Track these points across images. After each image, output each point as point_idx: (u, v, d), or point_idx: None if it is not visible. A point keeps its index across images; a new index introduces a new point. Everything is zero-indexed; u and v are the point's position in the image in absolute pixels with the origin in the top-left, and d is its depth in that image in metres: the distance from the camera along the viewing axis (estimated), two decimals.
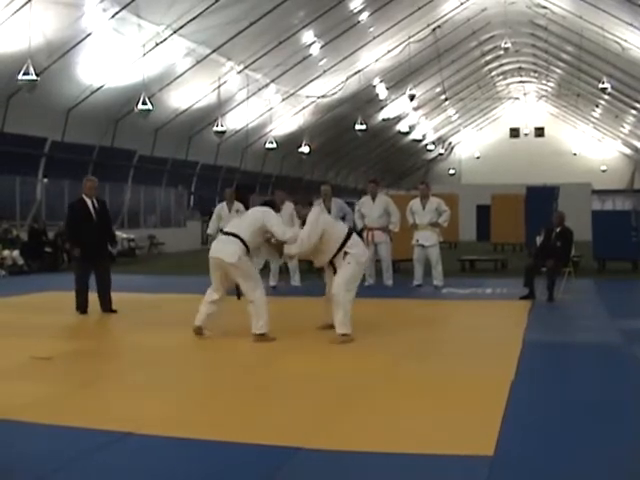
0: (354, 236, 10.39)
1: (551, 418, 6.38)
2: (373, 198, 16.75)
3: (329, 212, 15.86)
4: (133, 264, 25.89)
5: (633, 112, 52.31)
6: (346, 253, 10.06)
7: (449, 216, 16.55)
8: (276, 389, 7.54)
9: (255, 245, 10.21)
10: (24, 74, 21.75)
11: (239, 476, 5.14)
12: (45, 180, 28.99)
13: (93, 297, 12.79)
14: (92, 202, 13.05)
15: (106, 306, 12.88)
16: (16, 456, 5.45)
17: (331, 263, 10.26)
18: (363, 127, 41.94)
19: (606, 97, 48.76)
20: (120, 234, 28.80)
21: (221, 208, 16.91)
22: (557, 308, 13.35)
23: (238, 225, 10.31)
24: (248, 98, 36.89)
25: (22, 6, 21.48)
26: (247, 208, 14.10)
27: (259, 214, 10.32)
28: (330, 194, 16.58)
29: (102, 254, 13.18)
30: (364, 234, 16.50)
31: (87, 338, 11.00)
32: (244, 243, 9.94)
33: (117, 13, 24.93)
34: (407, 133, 55.26)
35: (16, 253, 22.55)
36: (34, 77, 21.86)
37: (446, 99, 54.01)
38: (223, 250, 9.98)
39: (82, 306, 12.75)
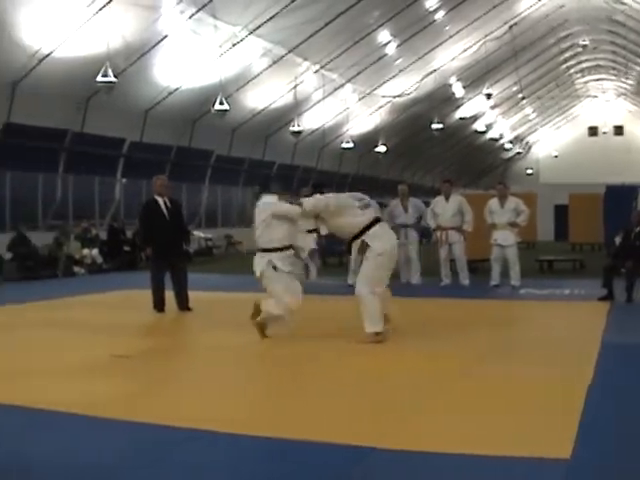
0: (378, 227, 9.92)
1: (629, 421, 6.23)
2: (447, 198, 16.73)
3: (406, 211, 16.26)
4: (210, 263, 26.14)
5: None
6: (367, 245, 9.74)
7: (527, 216, 16.42)
8: (349, 388, 7.49)
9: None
10: (103, 76, 22.04)
11: (316, 474, 5.12)
12: (123, 180, 29.43)
13: (170, 295, 12.95)
14: (164, 201, 13.16)
15: (183, 304, 13.00)
16: (96, 452, 5.52)
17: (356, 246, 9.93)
18: (440, 126, 41.71)
19: None
20: (198, 233, 29.16)
21: None
22: (636, 310, 13.08)
23: (257, 236, 10.16)
24: (324, 98, 36.93)
25: (101, 8, 21.78)
26: None
27: (265, 207, 10.14)
28: (407, 193, 16.82)
29: (176, 253, 13.28)
30: (437, 233, 16.61)
31: (164, 336, 11.14)
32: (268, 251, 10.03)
33: (194, 14, 25.15)
34: (484, 132, 54.75)
35: (95, 252, 22.99)
36: (112, 79, 22.15)
37: (523, 97, 53.38)
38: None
39: (159, 304, 12.90)
